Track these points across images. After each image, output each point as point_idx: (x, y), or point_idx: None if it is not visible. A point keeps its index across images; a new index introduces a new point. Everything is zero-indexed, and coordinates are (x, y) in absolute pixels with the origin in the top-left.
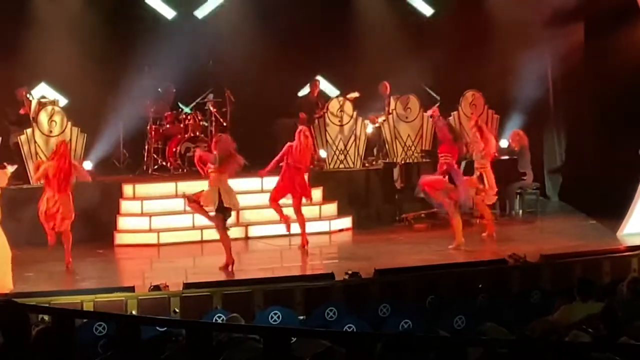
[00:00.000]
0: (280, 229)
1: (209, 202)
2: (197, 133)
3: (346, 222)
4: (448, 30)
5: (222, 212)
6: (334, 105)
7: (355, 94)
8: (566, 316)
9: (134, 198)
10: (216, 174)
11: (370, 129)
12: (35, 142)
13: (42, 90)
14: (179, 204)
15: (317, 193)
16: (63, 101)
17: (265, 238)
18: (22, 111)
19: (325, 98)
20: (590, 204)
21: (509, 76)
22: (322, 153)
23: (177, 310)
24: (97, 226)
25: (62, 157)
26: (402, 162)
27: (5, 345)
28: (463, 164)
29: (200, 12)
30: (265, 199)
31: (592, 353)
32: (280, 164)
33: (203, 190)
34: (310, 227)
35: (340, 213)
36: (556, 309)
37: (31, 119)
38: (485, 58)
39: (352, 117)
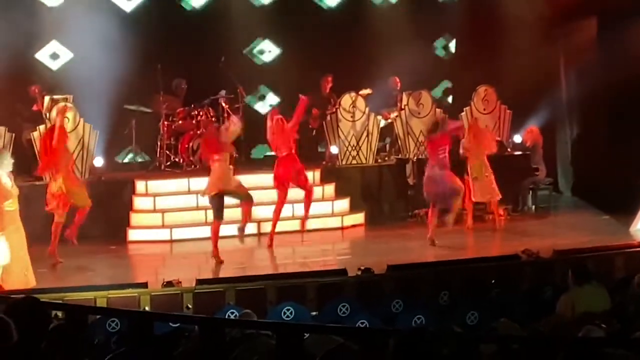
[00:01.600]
0: (293, 225)
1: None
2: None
3: (359, 218)
4: (460, 26)
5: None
6: (346, 101)
7: (367, 91)
8: (568, 305)
9: (146, 194)
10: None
11: (382, 124)
12: None
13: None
14: (192, 200)
15: (329, 189)
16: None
17: (278, 234)
18: (34, 108)
19: (337, 94)
20: (604, 199)
21: (521, 71)
22: (334, 149)
23: (190, 307)
24: (109, 222)
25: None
26: (415, 158)
27: (23, 341)
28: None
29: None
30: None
31: (605, 348)
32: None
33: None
34: (323, 223)
35: (353, 209)
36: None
37: (44, 115)
38: (497, 53)
39: (364, 112)
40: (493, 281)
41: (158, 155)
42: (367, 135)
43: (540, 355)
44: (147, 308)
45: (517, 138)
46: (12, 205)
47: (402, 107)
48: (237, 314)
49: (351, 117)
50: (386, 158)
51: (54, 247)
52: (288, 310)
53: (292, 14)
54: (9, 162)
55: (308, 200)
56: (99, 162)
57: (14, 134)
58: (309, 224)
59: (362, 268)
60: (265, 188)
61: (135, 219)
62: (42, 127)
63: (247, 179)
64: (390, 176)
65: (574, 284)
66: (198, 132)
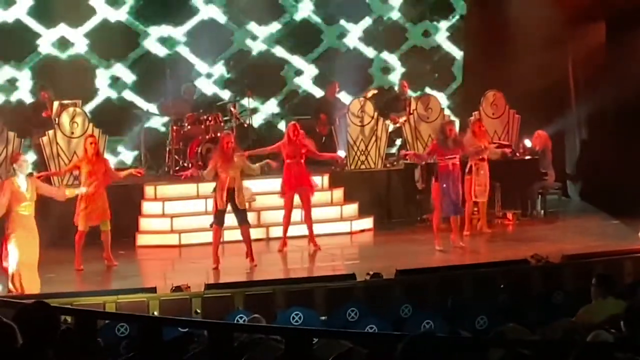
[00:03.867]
0: (302, 229)
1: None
2: (218, 134)
3: (367, 222)
4: (469, 31)
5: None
6: (355, 106)
7: (374, 91)
8: (587, 316)
9: (155, 199)
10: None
11: (391, 128)
12: (57, 143)
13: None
14: (201, 204)
15: (338, 193)
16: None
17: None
18: (44, 114)
19: (342, 99)
20: (613, 204)
21: (530, 76)
22: (341, 153)
23: (199, 311)
24: (118, 227)
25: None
26: (423, 162)
27: (32, 345)
28: None
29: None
30: None
31: (615, 353)
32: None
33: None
34: (331, 227)
35: (362, 214)
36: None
37: (53, 120)
38: (506, 58)
39: (373, 117)
40: (502, 286)
41: (167, 160)
42: (376, 140)
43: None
44: (156, 313)
45: (527, 143)
46: (26, 210)
47: (411, 111)
48: (246, 319)
49: (360, 121)
50: (395, 163)
51: (78, 258)
52: (297, 315)
53: None
54: (26, 166)
55: (308, 219)
56: None
57: (22, 139)
58: (316, 228)
59: (371, 273)
60: (273, 193)
61: (144, 223)
62: (51, 132)
63: (255, 184)
64: (399, 181)
65: (599, 296)
66: (207, 136)
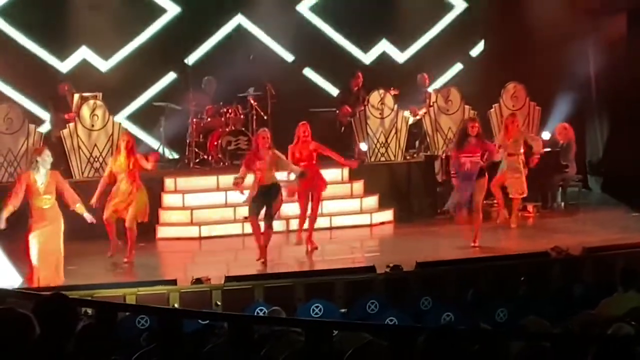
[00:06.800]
0: (322, 222)
1: None
2: (238, 126)
3: (387, 215)
4: (489, 23)
5: None
6: (374, 98)
7: (395, 91)
8: (608, 309)
9: (175, 191)
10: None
11: (411, 120)
12: (77, 135)
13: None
14: (220, 197)
15: (358, 186)
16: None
17: (305, 231)
18: (66, 117)
19: (366, 91)
20: (634, 196)
21: (550, 68)
22: (363, 146)
23: (219, 304)
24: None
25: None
26: (444, 154)
27: (51, 338)
28: None
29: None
30: None
31: (636, 346)
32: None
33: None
34: (352, 220)
35: (381, 206)
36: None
37: (74, 113)
38: (527, 50)
39: (393, 109)
40: (522, 278)
41: (187, 152)
42: (396, 132)
43: (570, 352)
44: (176, 305)
45: (545, 135)
46: (45, 203)
47: (431, 103)
48: (266, 311)
49: (380, 114)
50: (415, 155)
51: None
52: (317, 307)
53: None
54: (49, 160)
55: (313, 215)
56: None
57: (43, 132)
58: (335, 221)
59: (391, 265)
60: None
61: (164, 216)
62: (71, 125)
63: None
64: (419, 173)
65: (621, 288)
66: (227, 129)
